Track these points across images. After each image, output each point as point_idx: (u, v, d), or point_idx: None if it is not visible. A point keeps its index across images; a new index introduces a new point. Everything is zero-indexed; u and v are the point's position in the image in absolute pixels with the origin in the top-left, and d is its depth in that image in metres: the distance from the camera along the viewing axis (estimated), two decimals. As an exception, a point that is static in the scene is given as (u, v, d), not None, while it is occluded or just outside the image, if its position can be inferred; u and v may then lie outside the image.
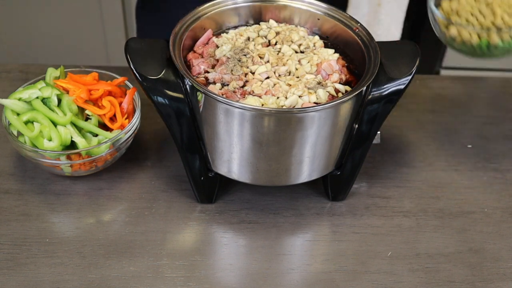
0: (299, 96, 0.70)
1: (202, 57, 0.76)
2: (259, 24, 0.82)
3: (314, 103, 0.69)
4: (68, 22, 1.84)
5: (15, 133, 0.81)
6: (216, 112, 0.68)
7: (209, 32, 0.79)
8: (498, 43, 0.75)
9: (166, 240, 0.77)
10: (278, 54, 0.76)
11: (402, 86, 0.72)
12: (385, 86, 0.72)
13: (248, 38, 0.79)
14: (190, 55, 0.77)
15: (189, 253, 0.76)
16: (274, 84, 0.71)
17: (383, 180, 0.88)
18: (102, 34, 1.87)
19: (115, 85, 0.85)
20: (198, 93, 0.68)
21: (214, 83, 0.72)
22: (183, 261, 0.75)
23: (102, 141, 0.80)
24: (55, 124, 0.78)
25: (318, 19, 0.81)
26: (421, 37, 1.81)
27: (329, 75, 0.74)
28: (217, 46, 0.77)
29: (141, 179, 0.86)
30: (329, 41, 0.81)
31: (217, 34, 0.80)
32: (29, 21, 1.84)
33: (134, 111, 0.85)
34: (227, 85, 0.72)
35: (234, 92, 0.71)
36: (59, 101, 0.80)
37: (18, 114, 0.80)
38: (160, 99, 0.70)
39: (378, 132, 0.77)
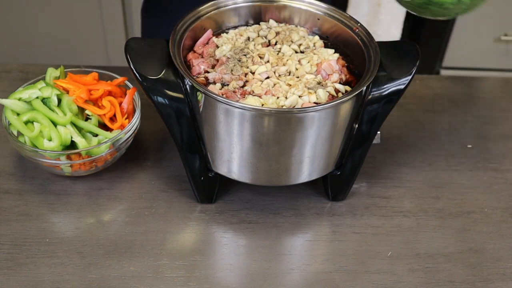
0: (299, 96, 0.70)
1: (202, 57, 0.76)
2: (259, 24, 0.82)
3: (314, 103, 0.69)
4: (68, 22, 1.84)
5: (15, 133, 0.81)
6: (216, 112, 0.68)
7: (209, 32, 0.79)
8: None
9: (166, 240, 0.77)
10: (278, 54, 0.76)
11: (402, 86, 0.72)
12: (385, 86, 0.72)
13: (248, 38, 0.79)
14: (190, 55, 0.77)
15: (189, 253, 0.76)
16: (274, 84, 0.71)
17: (383, 180, 0.88)
18: (102, 34, 1.87)
19: (115, 85, 0.85)
20: (198, 93, 0.68)
21: (214, 83, 0.72)
22: (183, 261, 0.75)
23: (102, 141, 0.80)
24: (55, 124, 0.78)
25: (318, 19, 0.81)
26: (421, 37, 1.82)
27: (329, 75, 0.74)
28: (217, 46, 0.77)
29: (141, 179, 0.86)
30: (329, 41, 0.81)
31: (217, 34, 0.80)
32: (29, 21, 1.84)
33: (134, 111, 0.85)
34: (227, 85, 0.72)
35: (234, 92, 0.71)
36: (59, 101, 0.80)
37: (18, 114, 0.80)
38: (160, 99, 0.70)
39: (378, 132, 0.77)
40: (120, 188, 0.84)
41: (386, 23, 1.69)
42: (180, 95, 0.70)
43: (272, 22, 0.82)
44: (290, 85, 0.71)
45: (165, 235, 0.78)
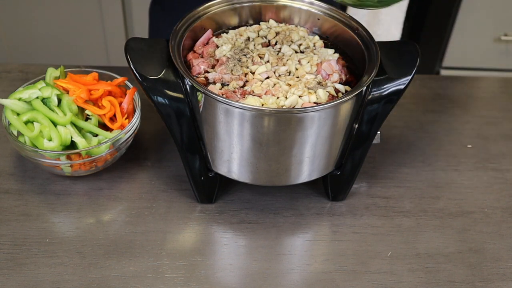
0: (299, 96, 0.70)
1: (202, 57, 0.76)
2: (259, 24, 0.82)
3: (314, 103, 0.69)
4: (68, 22, 1.84)
5: (15, 133, 0.81)
6: (216, 112, 0.68)
7: (209, 32, 0.79)
8: None
9: (166, 240, 0.77)
10: (278, 54, 0.76)
11: (402, 86, 0.72)
12: (385, 86, 0.72)
13: (248, 38, 0.79)
14: (190, 55, 0.77)
15: (189, 253, 0.76)
16: (274, 84, 0.71)
17: (383, 180, 0.88)
18: (102, 34, 1.87)
19: (115, 85, 0.85)
20: (198, 93, 0.68)
21: (214, 83, 0.72)
22: (183, 261, 0.75)
23: (102, 141, 0.80)
24: (55, 124, 0.78)
25: (318, 19, 0.81)
26: (421, 37, 1.82)
27: (329, 75, 0.74)
28: (217, 46, 0.77)
29: (141, 179, 0.86)
30: (329, 41, 0.81)
31: (217, 34, 0.80)
32: (29, 21, 1.84)
33: (134, 111, 0.85)
34: (227, 85, 0.72)
35: (234, 92, 0.71)
36: (59, 101, 0.80)
37: (18, 114, 0.80)
38: (160, 99, 0.70)
39: (378, 132, 0.77)
40: (120, 188, 0.84)
41: (386, 23, 1.69)
42: (180, 95, 0.70)
43: (272, 22, 0.82)
44: (290, 85, 0.71)
45: (165, 235, 0.78)
